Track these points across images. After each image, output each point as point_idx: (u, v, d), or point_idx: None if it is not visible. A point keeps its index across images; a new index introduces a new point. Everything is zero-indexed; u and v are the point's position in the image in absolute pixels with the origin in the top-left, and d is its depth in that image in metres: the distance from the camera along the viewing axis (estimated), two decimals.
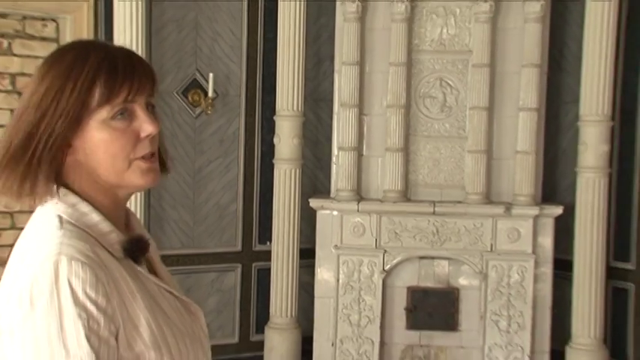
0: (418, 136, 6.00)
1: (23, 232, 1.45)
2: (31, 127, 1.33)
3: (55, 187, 1.37)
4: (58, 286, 1.23)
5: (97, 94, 1.33)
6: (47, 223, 1.37)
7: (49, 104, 1.33)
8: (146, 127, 1.38)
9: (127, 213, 1.56)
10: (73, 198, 1.37)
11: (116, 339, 1.28)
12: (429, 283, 5.99)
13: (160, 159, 1.48)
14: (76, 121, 1.34)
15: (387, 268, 5.86)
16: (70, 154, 1.37)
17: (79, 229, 1.35)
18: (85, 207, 1.38)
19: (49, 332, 1.23)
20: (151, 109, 1.42)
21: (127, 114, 1.37)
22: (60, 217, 1.35)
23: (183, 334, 1.44)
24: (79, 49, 1.42)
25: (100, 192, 1.41)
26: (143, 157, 1.39)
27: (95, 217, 1.37)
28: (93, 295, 1.24)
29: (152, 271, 1.52)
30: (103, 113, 1.34)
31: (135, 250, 1.40)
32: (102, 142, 1.36)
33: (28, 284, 1.24)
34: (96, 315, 1.24)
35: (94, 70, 1.34)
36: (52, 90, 1.34)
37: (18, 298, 1.24)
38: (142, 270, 1.42)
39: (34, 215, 1.44)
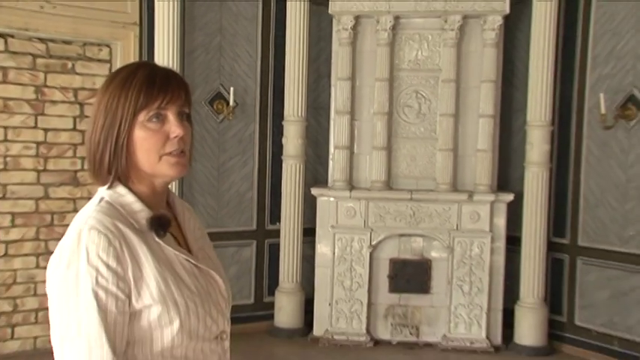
0: (398, 137, 6.83)
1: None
2: (103, 127, 1.60)
3: (112, 176, 1.63)
4: (78, 249, 1.49)
5: (139, 101, 1.58)
6: (91, 203, 1.64)
7: (114, 109, 1.59)
8: (174, 129, 1.60)
9: (171, 197, 1.80)
10: (118, 185, 1.63)
11: (129, 294, 1.51)
12: (407, 256, 6.79)
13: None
14: (131, 121, 1.59)
15: (373, 243, 6.67)
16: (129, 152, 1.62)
17: (112, 207, 1.59)
18: (123, 190, 1.62)
19: (71, 285, 1.49)
20: (184, 117, 1.65)
21: (160, 118, 1.60)
22: (102, 198, 1.62)
23: (193, 294, 1.61)
24: (131, 67, 1.69)
25: (141, 181, 1.65)
26: (171, 153, 1.61)
27: (130, 198, 1.62)
28: (104, 257, 1.48)
29: (183, 244, 1.72)
30: (142, 116, 1.59)
31: (155, 225, 1.60)
32: (140, 139, 1.59)
33: (60, 248, 1.53)
34: (105, 273, 1.47)
35: (139, 83, 1.59)
36: (113, 99, 1.60)
37: (53, 259, 1.53)
38: (160, 242, 1.60)
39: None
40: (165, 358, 1.58)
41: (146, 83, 1.60)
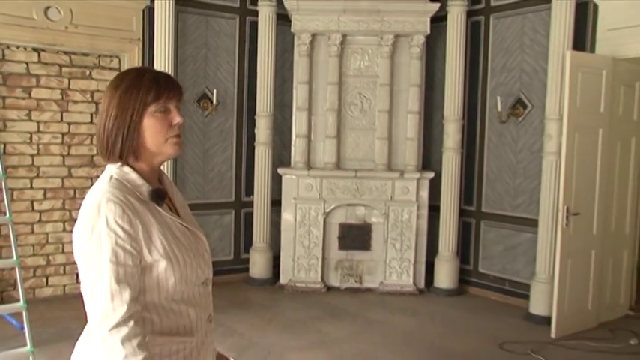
0: (346, 128, 7.65)
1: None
2: (118, 117, 1.79)
3: (123, 156, 1.82)
4: (99, 217, 1.70)
5: (150, 96, 1.79)
6: (103, 179, 1.82)
7: (126, 102, 1.79)
8: (176, 118, 1.84)
9: (161, 175, 1.97)
10: (123, 164, 1.83)
11: (141, 251, 1.72)
12: (352, 221, 7.61)
13: None
14: (142, 112, 1.79)
15: (326, 211, 7.52)
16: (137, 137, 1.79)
17: (120, 183, 1.79)
18: (127, 169, 1.83)
19: (95, 246, 1.70)
20: (179, 109, 1.86)
21: (164, 110, 1.82)
22: (111, 176, 1.81)
23: (188, 250, 1.83)
24: (137, 70, 1.89)
25: (143, 160, 1.85)
26: (174, 137, 1.85)
27: (134, 175, 1.82)
28: (120, 222, 1.69)
29: (173, 211, 1.92)
30: (152, 108, 1.80)
31: (155, 196, 1.81)
32: (151, 126, 1.81)
33: (83, 217, 1.73)
34: (122, 235, 1.69)
35: (148, 82, 1.81)
36: (126, 95, 1.79)
37: (79, 226, 1.74)
38: (160, 210, 1.82)
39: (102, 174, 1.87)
40: (169, 302, 1.81)
41: (154, 82, 1.81)
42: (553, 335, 6.03)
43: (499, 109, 7.12)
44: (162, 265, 1.76)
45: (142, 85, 1.80)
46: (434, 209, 7.71)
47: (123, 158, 1.82)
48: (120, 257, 1.69)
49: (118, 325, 1.66)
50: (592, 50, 6.31)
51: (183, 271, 1.79)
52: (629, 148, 6.68)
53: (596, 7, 6.29)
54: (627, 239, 6.87)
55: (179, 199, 2.01)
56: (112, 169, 1.82)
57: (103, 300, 1.68)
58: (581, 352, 5.70)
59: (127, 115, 1.79)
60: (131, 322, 1.67)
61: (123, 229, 1.69)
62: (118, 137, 1.80)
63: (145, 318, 1.77)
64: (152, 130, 1.81)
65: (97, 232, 1.69)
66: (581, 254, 6.20)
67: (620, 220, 6.69)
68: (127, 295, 1.68)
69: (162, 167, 1.99)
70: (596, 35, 6.28)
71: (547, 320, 6.24)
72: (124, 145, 1.80)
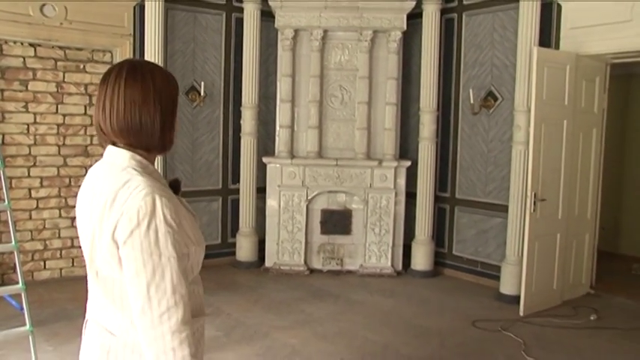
0: (327, 119, 7.85)
1: (96, 171, 1.85)
2: (157, 110, 1.78)
3: (161, 145, 1.84)
4: (155, 213, 1.66)
5: (177, 92, 1.86)
6: (128, 171, 1.76)
7: (167, 95, 1.81)
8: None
9: None
10: (138, 156, 1.81)
11: (187, 243, 1.75)
12: (334, 207, 7.82)
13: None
14: (174, 107, 1.85)
15: (309, 198, 7.71)
16: None
17: (149, 175, 1.76)
18: (144, 161, 1.81)
19: (150, 241, 1.65)
20: None
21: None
22: (135, 169, 1.76)
23: (201, 233, 1.87)
24: (156, 65, 1.89)
25: (152, 153, 1.86)
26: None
27: (152, 167, 1.82)
28: (175, 217, 1.69)
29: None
30: (176, 103, 1.86)
31: (176, 186, 1.87)
32: (175, 120, 1.86)
33: (135, 211, 1.65)
34: (177, 230, 1.69)
35: (172, 79, 1.86)
36: (162, 89, 1.80)
37: (128, 219, 1.65)
38: (180, 198, 1.85)
39: (106, 159, 1.83)
40: (191, 283, 1.83)
41: (174, 78, 1.85)
42: (521, 313, 6.32)
43: (471, 101, 7.38)
44: (196, 250, 1.80)
45: (172, 81, 1.85)
46: (410, 196, 7.94)
47: (161, 149, 1.85)
48: (179, 252, 1.69)
49: (183, 321, 1.67)
50: (557, 47, 6.62)
51: (201, 253, 1.84)
52: (590, 139, 7.03)
53: (559, 7, 6.62)
54: (589, 223, 7.22)
55: None
56: (127, 159, 1.78)
57: (166, 295, 1.66)
58: (547, 328, 6.01)
59: (169, 108, 1.81)
60: (189, 315, 1.69)
61: (178, 224, 1.70)
62: (165, 128, 1.80)
63: None
64: (175, 124, 1.87)
65: (154, 228, 1.65)
66: (547, 237, 6.52)
67: (582, 206, 7.03)
68: (185, 289, 1.68)
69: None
70: (560, 33, 6.60)
71: (516, 299, 6.52)
72: (164, 136, 1.82)
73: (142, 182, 1.72)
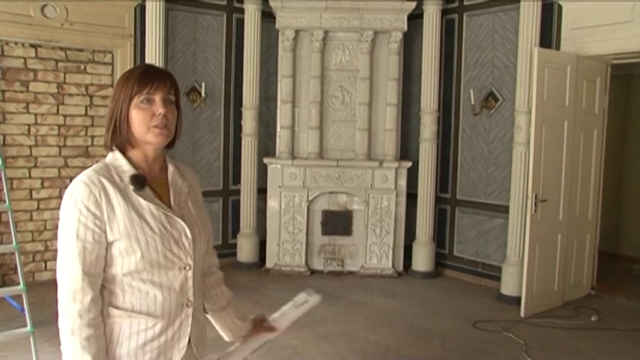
0: (328, 120, 7.84)
1: None
2: (112, 109, 1.94)
3: (114, 143, 1.96)
4: (71, 196, 1.86)
5: (135, 88, 1.90)
6: (97, 163, 1.96)
7: (118, 95, 1.93)
8: (158, 108, 1.90)
9: (167, 164, 2.08)
10: (117, 151, 1.96)
11: (105, 229, 1.86)
12: (334, 208, 7.80)
13: (173, 137, 2.01)
14: (129, 104, 1.91)
15: (309, 199, 7.69)
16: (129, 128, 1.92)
17: (105, 166, 1.93)
18: (119, 155, 1.95)
19: (64, 220, 1.87)
20: (169, 102, 1.94)
21: (149, 101, 1.91)
22: (104, 161, 1.95)
23: (154, 234, 1.90)
24: (134, 67, 2.00)
25: (135, 148, 1.97)
26: (156, 126, 1.91)
27: (122, 161, 1.95)
28: (85, 202, 1.83)
29: (163, 197, 1.99)
30: (136, 99, 1.91)
31: (133, 181, 1.91)
32: (134, 115, 1.91)
33: (64, 195, 1.89)
34: (85, 213, 1.83)
35: (136, 76, 1.92)
36: (118, 89, 1.94)
37: (63, 203, 1.89)
38: (133, 193, 1.90)
39: None
40: (134, 279, 1.91)
41: (141, 76, 1.91)
42: (522, 314, 6.32)
43: (472, 102, 7.39)
44: (122, 243, 1.86)
45: (130, 79, 1.92)
46: (411, 196, 7.94)
47: (115, 145, 1.96)
48: (80, 233, 1.83)
49: (73, 295, 1.83)
50: (557, 47, 6.62)
51: (145, 252, 1.87)
52: (591, 139, 7.02)
53: (560, 7, 6.62)
54: (590, 224, 7.21)
55: (180, 186, 2.06)
56: (109, 155, 1.96)
57: (62, 270, 1.86)
58: (547, 329, 6.01)
59: (119, 106, 1.92)
60: (80, 295, 1.84)
61: (87, 208, 1.83)
62: (110, 126, 1.94)
63: (109, 290, 1.92)
64: (136, 120, 1.92)
65: (67, 209, 1.86)
66: (548, 238, 6.51)
67: (583, 206, 7.02)
68: (79, 268, 1.83)
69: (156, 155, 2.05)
70: (561, 34, 6.60)
71: (517, 300, 6.53)
72: (115, 134, 1.94)
73: (87, 170, 1.93)
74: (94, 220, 1.83)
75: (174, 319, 1.96)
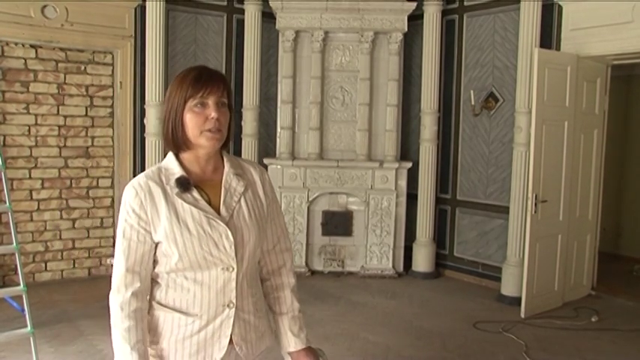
0: (328, 120, 7.86)
1: None
2: (167, 112, 1.97)
3: (172, 145, 2.00)
4: (123, 199, 1.99)
5: (188, 92, 1.91)
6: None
7: (173, 99, 1.95)
8: (211, 112, 1.92)
9: (225, 165, 2.08)
10: (170, 154, 2.02)
11: (150, 230, 1.94)
12: (335, 208, 7.81)
13: (226, 138, 2.02)
14: (183, 107, 1.93)
15: (310, 199, 7.71)
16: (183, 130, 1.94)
17: (157, 169, 2.00)
18: (172, 157, 2.01)
19: (118, 223, 1.99)
20: (222, 105, 1.95)
21: (203, 105, 1.92)
22: (159, 164, 2.02)
23: (192, 237, 1.93)
24: (187, 70, 1.99)
25: (189, 151, 2.00)
26: (209, 130, 1.93)
27: (172, 164, 1.99)
28: (132, 203, 1.94)
29: (213, 200, 2.01)
30: (190, 103, 1.92)
31: (178, 184, 1.96)
32: (188, 119, 1.93)
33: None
34: (132, 214, 1.94)
35: (190, 79, 1.93)
36: (172, 92, 1.96)
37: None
38: (176, 196, 1.95)
39: None
40: (178, 276, 1.99)
41: (194, 80, 1.92)
42: (523, 315, 6.33)
43: (472, 102, 7.40)
44: (164, 244, 1.94)
45: (184, 82, 1.94)
46: (412, 197, 7.95)
47: (172, 147, 2.01)
48: (127, 233, 1.94)
49: (118, 289, 1.95)
50: (557, 48, 6.63)
51: (182, 254, 1.92)
52: (592, 140, 7.03)
53: (560, 8, 6.63)
54: (590, 224, 7.21)
55: (234, 186, 2.04)
56: (167, 156, 2.04)
57: (114, 266, 1.98)
58: (548, 329, 6.01)
59: (174, 109, 1.96)
60: (123, 289, 1.95)
61: (133, 210, 1.93)
62: (168, 129, 1.98)
63: (157, 285, 2.01)
64: (190, 123, 1.94)
65: (120, 211, 1.99)
66: (548, 239, 6.51)
67: (583, 207, 7.03)
68: (123, 264, 1.95)
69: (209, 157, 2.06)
70: (561, 34, 6.61)
71: (517, 301, 6.54)
72: (172, 136, 1.98)
73: (140, 174, 2.04)
74: (138, 221, 1.93)
75: (215, 318, 2.00)
